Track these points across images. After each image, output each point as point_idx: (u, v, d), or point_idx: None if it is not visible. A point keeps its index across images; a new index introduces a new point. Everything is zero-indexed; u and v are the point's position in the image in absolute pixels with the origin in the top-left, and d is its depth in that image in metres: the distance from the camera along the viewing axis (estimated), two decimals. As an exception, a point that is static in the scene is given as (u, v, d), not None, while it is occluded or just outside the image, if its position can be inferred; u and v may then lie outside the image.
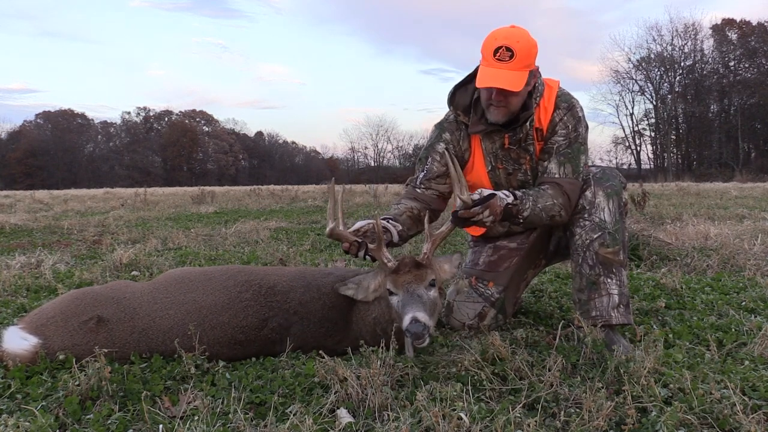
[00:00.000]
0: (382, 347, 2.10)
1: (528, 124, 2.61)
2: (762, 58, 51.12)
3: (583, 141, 2.65)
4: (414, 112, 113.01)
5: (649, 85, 55.60)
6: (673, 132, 55.90)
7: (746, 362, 2.24)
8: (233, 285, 2.42)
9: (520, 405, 1.79)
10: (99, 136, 72.50)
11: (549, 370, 2.02)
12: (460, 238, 6.15)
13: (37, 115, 70.09)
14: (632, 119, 56.62)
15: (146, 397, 1.86)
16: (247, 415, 1.76)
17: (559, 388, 1.94)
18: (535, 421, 1.66)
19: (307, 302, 2.42)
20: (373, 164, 74.80)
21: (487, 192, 2.36)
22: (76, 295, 2.41)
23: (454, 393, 1.85)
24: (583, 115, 2.68)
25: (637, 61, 55.90)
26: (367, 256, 2.33)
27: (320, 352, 2.29)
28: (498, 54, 2.40)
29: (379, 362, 1.98)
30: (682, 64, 54.59)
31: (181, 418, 1.78)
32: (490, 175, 2.76)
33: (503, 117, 2.57)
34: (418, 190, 2.77)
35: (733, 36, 53.41)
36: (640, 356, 2.07)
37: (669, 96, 54.87)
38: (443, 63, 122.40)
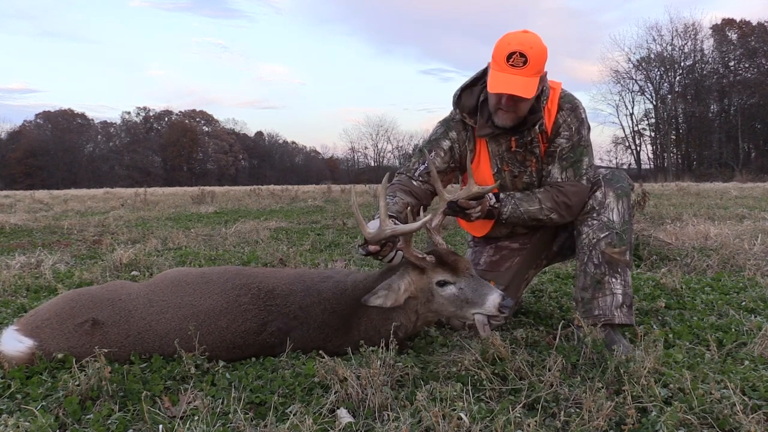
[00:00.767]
0: (382, 347, 2.10)
1: (537, 127, 2.61)
2: (762, 58, 51.14)
3: (586, 143, 2.67)
4: (414, 112, 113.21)
5: (649, 85, 55.70)
6: (673, 132, 55.93)
7: (746, 362, 2.24)
8: (231, 288, 2.37)
9: (520, 405, 1.79)
10: (99, 136, 72.62)
11: (549, 370, 2.02)
12: (459, 238, 6.15)
13: (37, 115, 70.27)
14: (632, 119, 56.71)
15: (146, 397, 1.86)
16: (247, 415, 1.76)
17: (559, 388, 1.94)
18: (535, 421, 1.66)
19: (307, 306, 2.36)
20: (373, 164, 74.86)
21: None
22: (72, 297, 2.38)
23: (454, 393, 1.85)
24: (586, 117, 2.70)
25: (637, 61, 56.00)
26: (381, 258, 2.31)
27: (320, 352, 2.28)
28: (512, 60, 2.37)
29: (379, 362, 1.98)
30: (682, 64, 54.65)
31: (181, 418, 1.78)
32: (496, 177, 2.74)
33: (511, 122, 2.57)
34: (415, 183, 2.71)
35: (733, 36, 53.44)
36: (640, 356, 2.07)
37: (669, 96, 54.90)
38: (443, 63, 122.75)
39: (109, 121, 73.95)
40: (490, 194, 2.61)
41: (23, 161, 60.87)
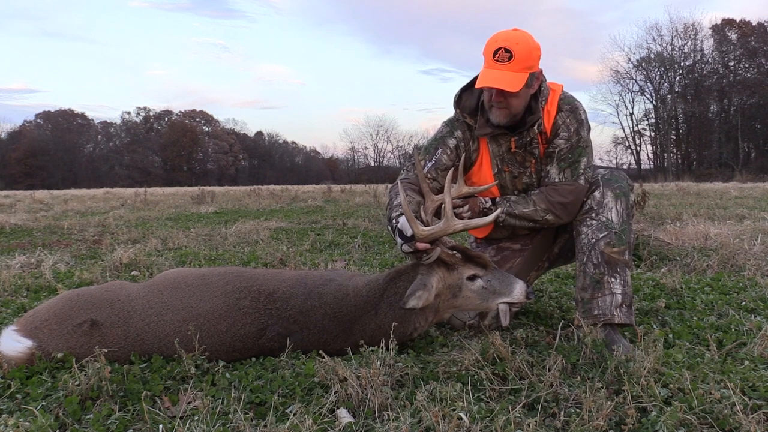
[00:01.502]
0: (382, 347, 2.10)
1: (536, 128, 2.63)
2: (762, 58, 51.14)
3: (585, 144, 2.67)
4: (414, 112, 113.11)
5: (649, 85, 55.64)
6: (673, 132, 55.91)
7: (746, 362, 2.24)
8: (231, 291, 2.35)
9: (520, 405, 1.80)
10: (99, 136, 72.58)
11: (549, 370, 2.02)
12: (459, 238, 6.15)
13: (37, 115, 70.19)
14: (632, 119, 56.65)
15: (146, 397, 1.86)
16: (247, 415, 1.76)
17: (559, 388, 1.94)
18: (535, 421, 1.66)
19: (307, 311, 2.33)
20: (373, 164, 74.83)
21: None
22: (71, 297, 2.37)
23: (454, 393, 1.85)
24: (586, 118, 2.71)
25: (637, 61, 55.93)
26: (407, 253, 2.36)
27: (320, 352, 2.28)
28: (497, 56, 2.44)
29: (379, 362, 1.98)
30: (682, 64, 54.59)
31: (181, 418, 1.78)
32: (496, 178, 2.77)
33: (504, 118, 2.60)
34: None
35: (733, 36, 53.42)
36: (640, 356, 2.07)
37: (669, 96, 54.87)
38: (443, 63, 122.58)
39: (109, 121, 74.00)
40: (487, 198, 2.69)
41: (23, 161, 60.84)
